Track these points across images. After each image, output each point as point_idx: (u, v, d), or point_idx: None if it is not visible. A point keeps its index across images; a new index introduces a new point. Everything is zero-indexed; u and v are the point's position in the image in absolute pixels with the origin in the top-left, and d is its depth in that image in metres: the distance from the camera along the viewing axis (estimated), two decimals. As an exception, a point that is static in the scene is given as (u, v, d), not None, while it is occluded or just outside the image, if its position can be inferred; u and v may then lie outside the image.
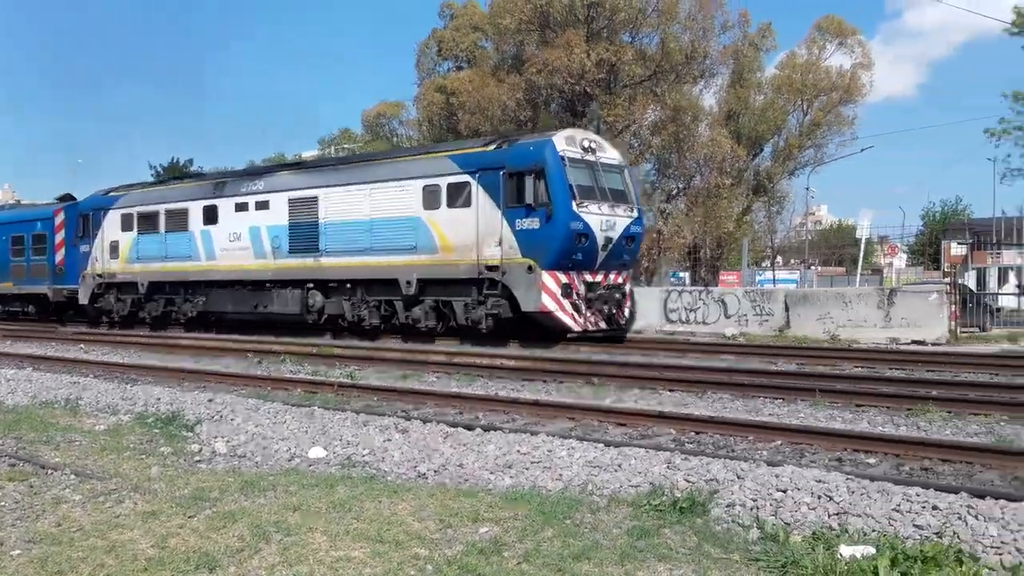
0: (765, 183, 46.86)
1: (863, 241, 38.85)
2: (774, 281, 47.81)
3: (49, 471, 7.36)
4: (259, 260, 23.59)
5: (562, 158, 18.40)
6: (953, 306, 19.93)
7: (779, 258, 68.09)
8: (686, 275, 46.57)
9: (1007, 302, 30.96)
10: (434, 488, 6.83)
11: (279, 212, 23.10)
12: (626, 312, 20.17)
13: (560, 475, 6.99)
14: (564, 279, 18.46)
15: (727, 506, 6.03)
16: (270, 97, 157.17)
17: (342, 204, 21.68)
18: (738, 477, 6.44)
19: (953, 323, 19.72)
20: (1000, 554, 4.91)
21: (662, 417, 9.31)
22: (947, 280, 21.26)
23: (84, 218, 29.19)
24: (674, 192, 44.40)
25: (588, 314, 18.88)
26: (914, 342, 18.53)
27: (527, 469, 7.22)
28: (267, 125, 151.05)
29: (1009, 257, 55.75)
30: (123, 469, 7.57)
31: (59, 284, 30.32)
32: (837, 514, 5.67)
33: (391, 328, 21.17)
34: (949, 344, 18.57)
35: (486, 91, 40.00)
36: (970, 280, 38.46)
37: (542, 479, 6.97)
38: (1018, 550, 4.91)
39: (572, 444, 7.73)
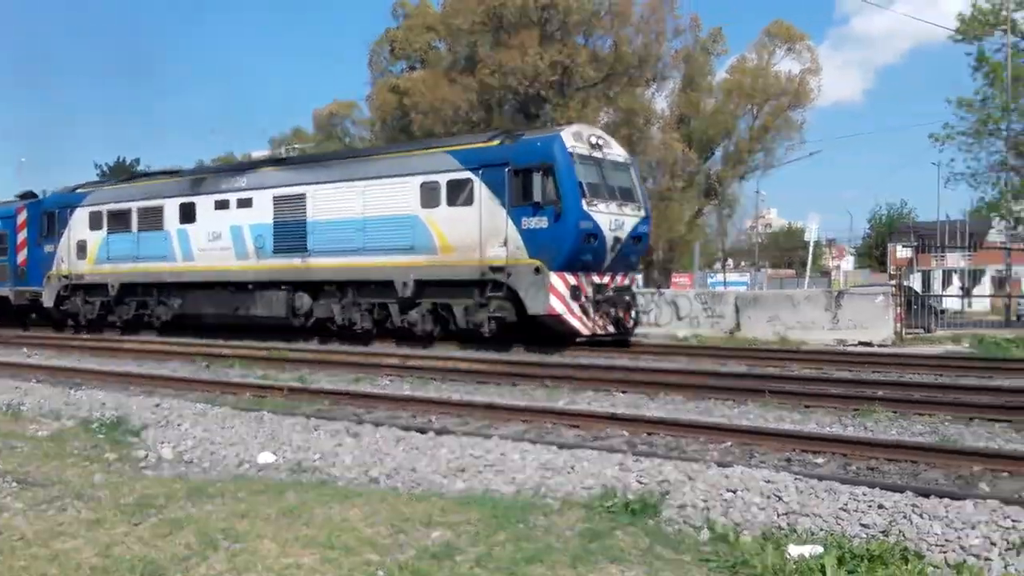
0: (716, 186, 47.46)
1: (811, 244, 39.49)
2: (725, 283, 48.46)
3: (-12, 479, 7.15)
4: (241, 261, 22.43)
5: (571, 154, 17.62)
6: (899, 308, 20.34)
7: (730, 261, 69.01)
8: (639, 277, 46.93)
9: (951, 304, 31.72)
10: (386, 493, 6.77)
11: (263, 210, 21.99)
12: (633, 315, 19.28)
13: (513, 478, 6.97)
14: (573, 281, 17.61)
15: (678, 507, 6.07)
16: (219, 95, 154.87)
17: (332, 202, 20.65)
18: (689, 478, 6.48)
19: (899, 325, 20.13)
20: (944, 552, 5.00)
21: (615, 419, 9.34)
22: (893, 282, 21.68)
23: (49, 216, 27.71)
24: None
25: (596, 317, 18.03)
26: (861, 343, 18.87)
27: (480, 472, 7.20)
28: (216, 124, 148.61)
29: (953, 260, 57.14)
30: (66, 476, 7.38)
31: (22, 286, 28.61)
32: (786, 514, 5.74)
33: (384, 332, 20.21)
34: (895, 345, 18.95)
35: (439, 92, 39.90)
36: (915, 282, 39.32)
37: (495, 482, 6.95)
38: (962, 548, 5.01)
39: (525, 447, 7.73)
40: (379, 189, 19.87)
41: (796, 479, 6.25)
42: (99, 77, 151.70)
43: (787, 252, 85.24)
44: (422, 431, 8.61)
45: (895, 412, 9.77)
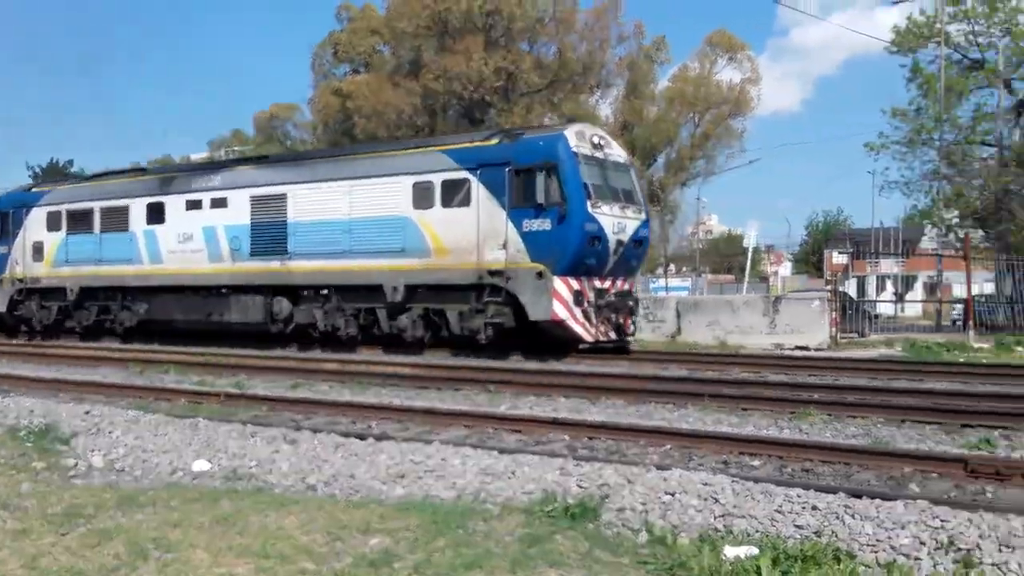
0: (658, 193, 48.03)
1: (751, 250, 40.20)
2: (667, 289, 49.01)
3: (-94, 490, 6.87)
4: (215, 264, 21.49)
5: (575, 154, 17.09)
6: (834, 313, 20.78)
7: (672, 266, 69.84)
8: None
9: (884, 309, 32.51)
10: (323, 500, 6.67)
11: (239, 210, 21.09)
12: (632, 321, 18.78)
13: (454, 483, 6.93)
14: (576, 285, 17.07)
15: (618, 510, 6.08)
16: (156, 96, 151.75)
17: (316, 202, 19.88)
18: (629, 481, 6.51)
19: (834, 329, 20.56)
20: (876, 552, 5.09)
21: (556, 423, 9.35)
22: (828, 288, 22.15)
23: (2, 217, 26.42)
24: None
25: (597, 323, 17.51)
26: (797, 347, 19.24)
27: (420, 478, 7.14)
28: (152, 125, 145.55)
29: (886, 266, 58.63)
30: (-10, 486, 7.13)
31: None
32: (723, 516, 5.79)
33: (370, 339, 19.56)
34: (830, 349, 19.36)
35: (383, 96, 39.76)
36: (850, 288, 40.24)
37: (435, 488, 6.90)
38: (893, 548, 5.10)
39: (466, 452, 7.68)
40: (367, 189, 19.15)
41: (733, 481, 6.31)
42: (32, 76, 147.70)
43: (727, 258, 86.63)
44: (361, 437, 8.51)
45: (830, 415, 9.94)
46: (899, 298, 41.90)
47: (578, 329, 17.05)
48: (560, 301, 16.74)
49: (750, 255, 40.24)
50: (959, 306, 27.87)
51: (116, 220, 23.63)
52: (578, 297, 17.00)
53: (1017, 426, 8.99)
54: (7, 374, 15.32)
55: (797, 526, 5.52)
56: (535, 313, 16.91)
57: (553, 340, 17.55)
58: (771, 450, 7.89)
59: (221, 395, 11.88)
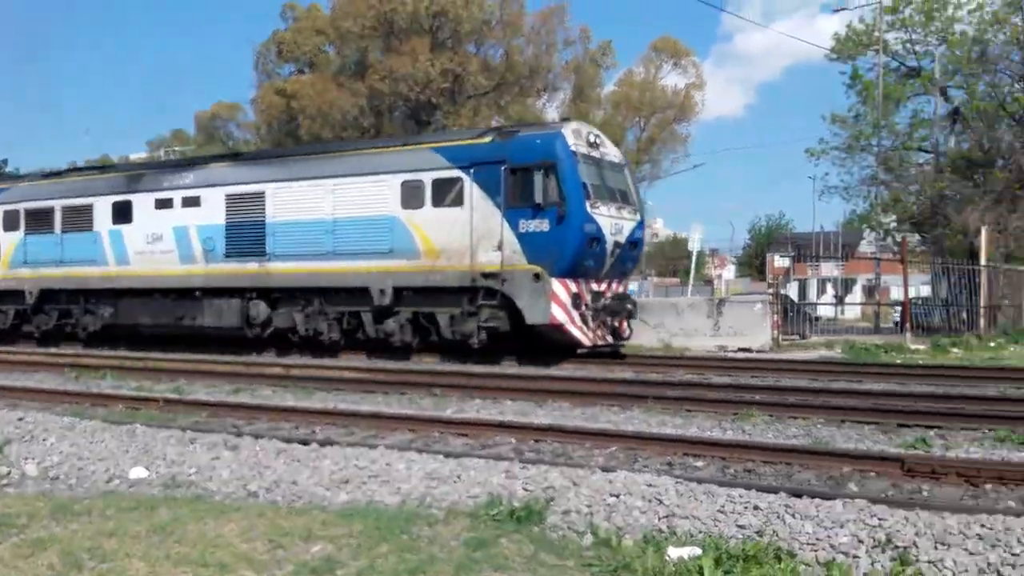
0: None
1: (695, 254, 40.64)
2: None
3: None
4: (187, 265, 20.51)
5: (573, 153, 16.57)
6: (776, 315, 21.12)
7: (618, 269, 70.25)
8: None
9: (825, 311, 33.11)
10: (265, 507, 6.56)
11: (213, 210, 20.16)
12: (629, 325, 18.31)
13: (398, 489, 6.87)
14: (574, 288, 16.57)
15: (563, 513, 6.09)
16: (93, 94, 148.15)
17: (296, 201, 19.08)
18: (574, 484, 6.52)
19: (776, 332, 20.89)
20: (815, 550, 5.16)
21: (503, 426, 9.34)
22: (770, 291, 22.50)
23: None
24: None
25: (594, 327, 17.05)
26: (740, 350, 19.50)
27: (364, 484, 7.06)
28: (90, 124, 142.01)
29: (827, 269, 59.79)
30: (-85, 497, 6.88)
31: None
32: (666, 517, 5.83)
33: (354, 343, 18.83)
34: (772, 351, 19.65)
35: (328, 96, 39.41)
36: (792, 291, 40.91)
37: (380, 493, 6.83)
38: (832, 546, 5.18)
39: (411, 456, 7.62)
40: (352, 188, 18.43)
41: (677, 482, 6.36)
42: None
43: (672, 261, 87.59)
44: (304, 442, 8.39)
45: (771, 416, 10.11)
46: (839, 301, 42.70)
47: (576, 333, 16.64)
48: (558, 304, 16.32)
49: (695, 258, 40.60)
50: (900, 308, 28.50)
51: (79, 219, 22.50)
52: (576, 300, 16.59)
53: (952, 426, 9.23)
54: (-65, 380, 14.82)
55: (739, 526, 5.58)
56: (532, 316, 16.44)
57: (549, 344, 17.11)
58: (714, 451, 7.98)
59: (160, 400, 11.64)
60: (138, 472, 7.77)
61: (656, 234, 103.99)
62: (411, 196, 17.68)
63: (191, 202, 20.65)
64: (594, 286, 17.14)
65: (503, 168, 16.71)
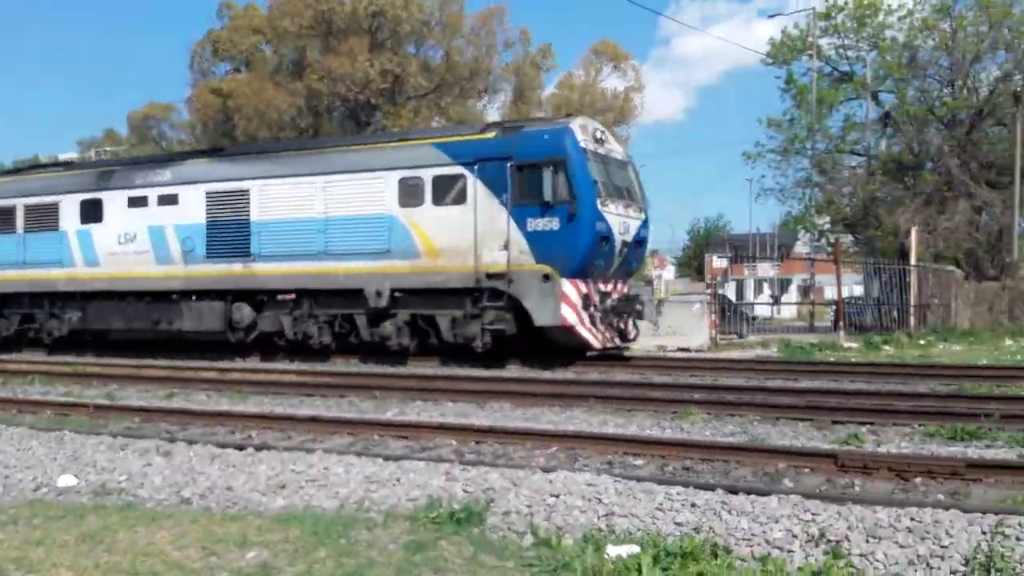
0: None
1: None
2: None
3: None
4: (164, 266, 19.45)
5: (583, 149, 16.02)
6: (714, 315, 21.41)
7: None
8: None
9: (761, 311, 33.67)
10: (198, 513, 6.42)
11: (193, 208, 19.17)
12: (635, 325, 17.82)
13: (337, 493, 6.78)
14: (584, 289, 16.01)
15: (503, 514, 6.07)
16: (21, 93, 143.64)
17: (284, 199, 18.20)
18: (514, 485, 6.51)
19: (714, 331, 21.18)
20: (751, 546, 5.23)
21: (443, 428, 9.29)
22: (709, 291, 22.80)
23: None
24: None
25: (603, 328, 16.49)
26: (680, 349, 19.72)
27: (302, 488, 6.95)
28: (16, 123, 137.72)
29: (763, 270, 60.91)
30: None
31: None
32: (606, 515, 5.85)
33: (347, 348, 18.01)
34: (710, 351, 19.91)
35: (265, 95, 38.83)
36: (730, 291, 41.53)
37: (317, 498, 6.73)
38: (767, 541, 5.25)
39: (350, 460, 7.53)
40: (345, 185, 17.63)
41: (616, 481, 6.39)
42: None
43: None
44: (240, 447, 8.24)
45: (710, 414, 10.23)
46: (775, 300, 43.52)
47: (586, 335, 16.06)
48: (569, 305, 15.73)
49: (635, 259, 41.12)
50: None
51: (43, 219, 21.26)
52: (586, 301, 16.05)
53: (883, 422, 9.45)
54: None
55: (677, 523, 5.63)
56: (541, 318, 15.84)
57: (556, 347, 16.66)
58: (654, 450, 8.04)
59: (90, 406, 11.33)
60: (67, 480, 7.55)
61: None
62: (409, 194, 17.03)
63: (168, 200, 19.64)
64: (601, 286, 16.65)
65: (509, 164, 16.08)
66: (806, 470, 7.23)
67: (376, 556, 5.31)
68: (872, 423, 9.42)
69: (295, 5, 38.27)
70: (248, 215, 18.60)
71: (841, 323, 23.33)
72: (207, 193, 19.12)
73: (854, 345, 20.62)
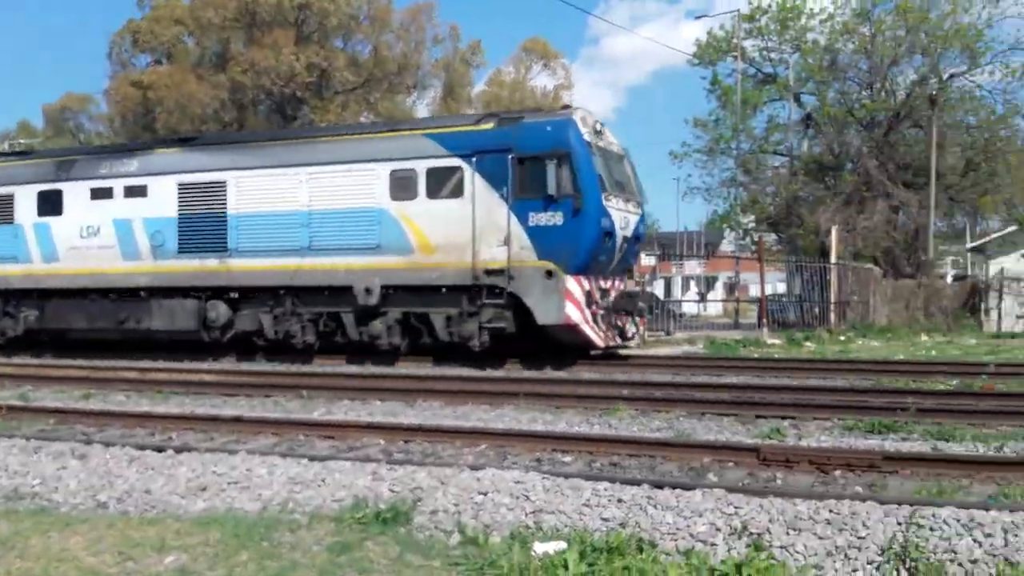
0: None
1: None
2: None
3: None
4: (131, 262, 18.41)
5: (587, 142, 15.55)
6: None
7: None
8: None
9: (688, 308, 34.21)
10: (115, 518, 6.23)
11: (163, 200, 18.13)
12: (635, 323, 17.45)
13: (259, 495, 6.65)
14: (587, 286, 15.56)
15: (430, 513, 6.03)
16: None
17: (264, 191, 17.30)
18: (442, 483, 6.46)
19: (642, 328, 21.39)
20: (675, 540, 5.29)
21: (371, 427, 9.19)
22: (637, 288, 23.00)
23: None
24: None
25: (603, 326, 16.06)
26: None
27: (223, 490, 6.80)
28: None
29: (690, 267, 61.84)
30: None
31: None
32: (533, 512, 5.86)
33: (331, 347, 17.25)
34: (639, 347, 20.11)
35: (186, 88, 37.95)
36: (658, 288, 42.09)
37: (240, 500, 6.59)
38: (691, 535, 5.32)
39: (274, 461, 7.39)
40: (332, 177, 16.82)
41: (544, 478, 6.40)
42: None
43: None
44: (160, 449, 8.01)
45: (637, 410, 10.33)
46: (702, 298, 44.26)
47: (590, 333, 15.62)
48: (573, 303, 15.25)
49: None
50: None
51: None
52: (589, 299, 15.62)
53: (805, 416, 9.66)
54: None
55: (604, 519, 5.66)
56: (544, 317, 15.36)
57: (557, 346, 16.23)
58: (582, 446, 8.09)
59: (2, 408, 10.89)
60: (-25, 486, 7.25)
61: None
62: (401, 186, 16.32)
63: (136, 192, 18.55)
64: (601, 283, 16.23)
65: (510, 157, 15.52)
66: (730, 464, 7.35)
67: (299, 558, 5.22)
68: (794, 417, 9.63)
69: (219, -5, 37.57)
70: (225, 208, 17.69)
71: (765, 320, 23.84)
72: (179, 184, 18.14)
73: (777, 341, 21.08)
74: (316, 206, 16.90)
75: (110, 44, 45.60)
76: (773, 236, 34.94)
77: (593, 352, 16.30)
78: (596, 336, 15.75)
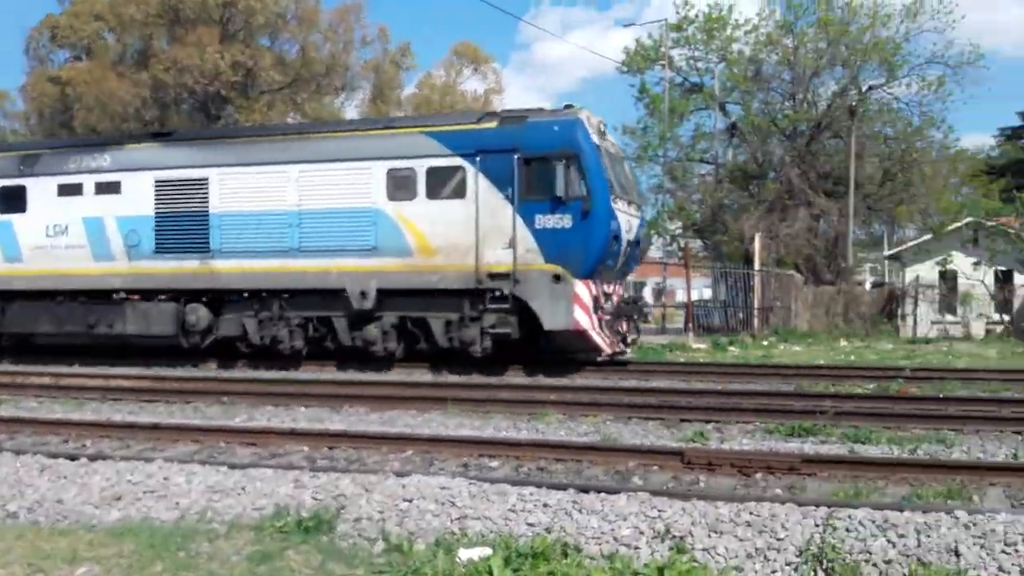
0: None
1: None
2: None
3: None
4: (103, 263, 17.49)
5: (597, 144, 15.16)
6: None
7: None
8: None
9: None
10: (25, 528, 6.00)
11: (138, 198, 17.23)
12: (635, 328, 17.28)
13: (177, 504, 6.46)
14: (595, 290, 15.13)
15: (354, 521, 5.95)
16: None
17: (250, 189, 16.59)
18: (366, 490, 6.38)
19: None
20: (600, 544, 5.31)
21: (294, 434, 9.03)
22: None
23: None
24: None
25: (609, 332, 15.66)
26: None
27: (139, 500, 6.59)
28: None
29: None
30: None
31: None
32: (459, 518, 5.82)
33: (320, 353, 16.65)
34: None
35: (107, 85, 36.85)
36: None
37: (156, 509, 6.40)
38: (615, 539, 5.34)
39: (193, 469, 7.19)
40: (324, 175, 16.17)
41: (470, 484, 6.36)
42: None
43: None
44: (73, 458, 7.73)
45: (565, 414, 10.38)
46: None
47: (598, 339, 15.20)
48: (582, 308, 14.83)
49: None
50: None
51: None
52: (596, 304, 15.20)
53: (728, 420, 9.83)
54: None
55: (529, 524, 5.65)
56: (552, 322, 14.91)
57: (562, 353, 15.93)
58: (509, 451, 8.07)
59: (-97, 416, 10.39)
60: None
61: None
62: (399, 186, 15.77)
63: (108, 188, 17.63)
64: (605, 288, 15.83)
65: (516, 157, 15.08)
66: (655, 468, 7.42)
67: (217, 568, 5.09)
68: (717, 421, 9.79)
69: (141, -8, 36.62)
70: (207, 206, 16.91)
71: (690, 325, 24.19)
72: (157, 181, 17.27)
73: (702, 346, 21.40)
74: (307, 205, 16.28)
75: (27, 39, 44.14)
76: (699, 242, 35.56)
77: (600, 358, 16.02)
78: (603, 342, 15.40)
